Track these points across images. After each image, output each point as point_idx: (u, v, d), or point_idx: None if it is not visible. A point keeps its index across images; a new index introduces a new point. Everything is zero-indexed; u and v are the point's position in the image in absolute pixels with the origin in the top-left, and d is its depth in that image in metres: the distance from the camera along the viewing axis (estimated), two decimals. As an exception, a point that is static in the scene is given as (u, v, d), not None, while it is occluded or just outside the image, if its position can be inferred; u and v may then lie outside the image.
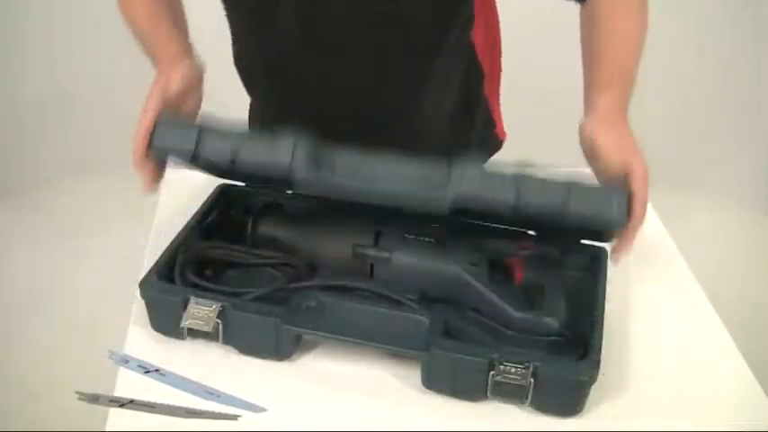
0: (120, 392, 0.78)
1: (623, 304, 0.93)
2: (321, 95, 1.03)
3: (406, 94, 1.04)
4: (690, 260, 1.03)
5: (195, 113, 0.95)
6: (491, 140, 1.23)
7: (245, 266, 0.92)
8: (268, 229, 0.94)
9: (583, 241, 0.94)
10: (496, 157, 1.22)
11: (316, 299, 0.84)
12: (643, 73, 0.96)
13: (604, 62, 0.92)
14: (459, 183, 0.80)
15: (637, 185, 0.82)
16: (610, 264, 0.91)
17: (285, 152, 0.82)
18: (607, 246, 0.94)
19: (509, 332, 0.83)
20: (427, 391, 0.80)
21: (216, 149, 0.84)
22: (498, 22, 1.16)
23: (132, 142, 0.86)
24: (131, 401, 0.77)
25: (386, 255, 0.89)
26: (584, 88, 0.93)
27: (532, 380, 0.75)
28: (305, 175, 0.83)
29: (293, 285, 0.87)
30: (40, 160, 2.45)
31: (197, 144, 0.84)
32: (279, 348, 0.82)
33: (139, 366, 0.81)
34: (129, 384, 0.80)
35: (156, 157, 0.87)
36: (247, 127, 1.14)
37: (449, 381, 0.78)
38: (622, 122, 0.88)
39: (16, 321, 1.93)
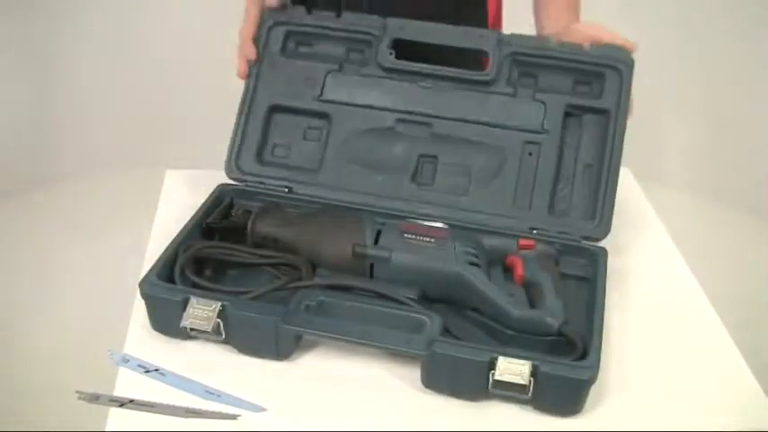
0: (120, 392, 0.78)
1: (623, 304, 0.93)
2: None
3: None
4: (690, 260, 1.03)
5: None
6: None
7: (245, 266, 0.93)
8: (268, 229, 0.94)
9: (584, 241, 0.94)
10: None
11: (316, 299, 0.84)
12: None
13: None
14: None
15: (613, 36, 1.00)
16: (609, 265, 0.91)
17: None
18: (606, 243, 0.94)
19: (509, 332, 0.84)
20: (427, 390, 0.80)
21: None
22: None
23: (240, 32, 1.03)
24: (131, 401, 0.77)
25: (386, 254, 0.89)
26: (538, 22, 1.12)
27: (532, 379, 0.75)
28: None
29: (293, 285, 0.88)
30: (40, 160, 2.45)
31: None
32: (279, 348, 0.82)
33: (139, 366, 0.81)
34: (129, 384, 0.79)
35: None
36: None
37: (449, 380, 0.78)
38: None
39: (16, 321, 1.93)
